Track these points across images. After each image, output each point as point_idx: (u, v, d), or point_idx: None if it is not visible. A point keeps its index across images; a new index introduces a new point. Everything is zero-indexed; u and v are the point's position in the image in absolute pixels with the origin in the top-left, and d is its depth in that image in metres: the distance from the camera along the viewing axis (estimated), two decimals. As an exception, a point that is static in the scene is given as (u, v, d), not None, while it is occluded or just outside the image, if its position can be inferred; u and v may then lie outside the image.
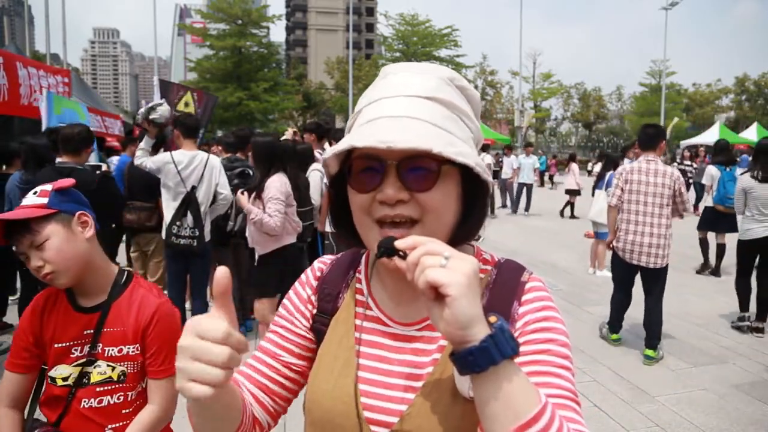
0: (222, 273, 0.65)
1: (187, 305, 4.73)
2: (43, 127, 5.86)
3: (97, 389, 1.50)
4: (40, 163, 4.04)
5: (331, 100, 42.04)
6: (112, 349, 1.51)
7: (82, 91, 10.72)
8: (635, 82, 62.91)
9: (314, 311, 0.93)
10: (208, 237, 4.32)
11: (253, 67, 34.01)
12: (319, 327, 0.91)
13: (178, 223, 4.12)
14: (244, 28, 33.84)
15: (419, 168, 0.75)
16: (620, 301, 4.76)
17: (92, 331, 1.50)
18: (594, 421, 3.48)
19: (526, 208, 14.06)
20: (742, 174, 5.40)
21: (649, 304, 4.54)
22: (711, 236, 7.44)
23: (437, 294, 0.62)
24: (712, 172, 7.09)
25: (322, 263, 0.99)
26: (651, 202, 4.43)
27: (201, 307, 4.40)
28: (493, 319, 0.63)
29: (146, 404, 1.54)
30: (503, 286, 0.84)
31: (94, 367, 1.50)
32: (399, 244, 0.67)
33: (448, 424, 0.76)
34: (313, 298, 0.94)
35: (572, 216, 13.29)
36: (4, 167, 4.97)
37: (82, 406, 1.49)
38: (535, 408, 0.61)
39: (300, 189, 5.03)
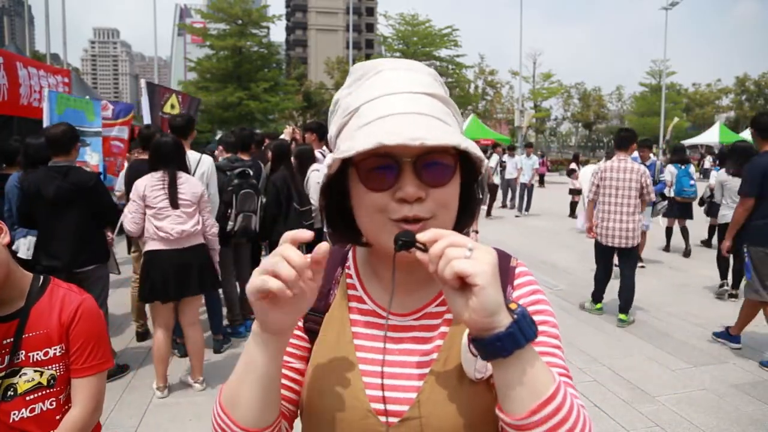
0: (323, 248, 0.69)
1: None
2: (44, 126, 5.85)
3: (27, 398, 1.44)
4: (33, 163, 3.94)
5: (330, 100, 42.07)
6: (38, 353, 1.45)
7: (82, 91, 10.70)
8: (635, 82, 63.02)
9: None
10: None
11: (253, 67, 33.98)
12: (311, 326, 0.91)
13: None
14: (244, 28, 33.82)
15: (436, 163, 0.75)
16: (601, 278, 5.61)
17: (11, 340, 1.43)
18: (594, 421, 3.44)
19: (527, 208, 14.09)
20: (719, 170, 6.52)
21: (623, 277, 5.37)
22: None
23: (462, 284, 0.64)
24: (671, 169, 8.35)
25: None
26: (621, 195, 5.23)
27: None
28: (513, 305, 0.67)
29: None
30: None
31: (20, 377, 1.44)
32: (420, 237, 0.69)
33: (458, 408, 0.79)
34: None
35: (572, 215, 13.29)
36: (4, 166, 4.95)
37: (12, 419, 1.42)
38: (552, 385, 0.67)
39: (299, 189, 5.03)
